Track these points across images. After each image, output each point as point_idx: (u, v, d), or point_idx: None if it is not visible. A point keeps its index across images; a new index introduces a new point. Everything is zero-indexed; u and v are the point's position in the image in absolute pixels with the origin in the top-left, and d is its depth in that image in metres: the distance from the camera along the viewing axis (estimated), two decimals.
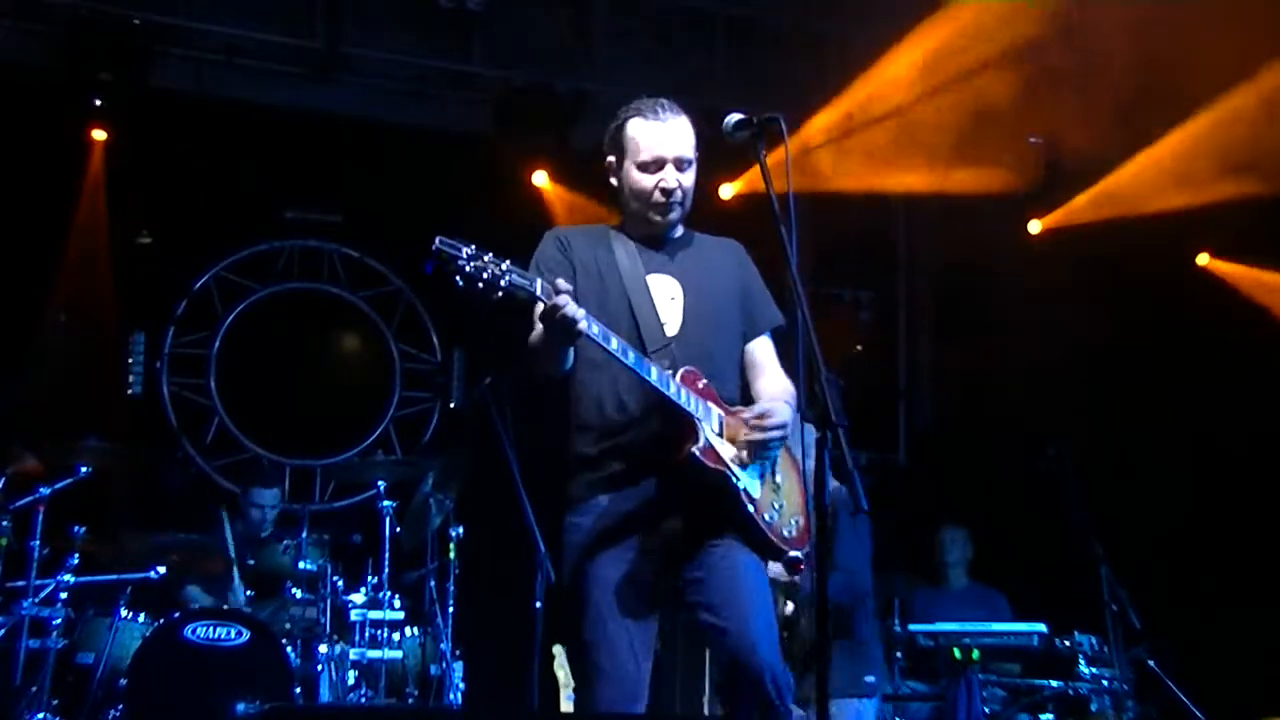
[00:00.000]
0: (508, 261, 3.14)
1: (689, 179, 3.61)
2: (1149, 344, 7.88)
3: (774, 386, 3.62)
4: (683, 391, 3.39)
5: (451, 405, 8.50)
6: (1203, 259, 8.53)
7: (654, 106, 3.61)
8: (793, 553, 3.49)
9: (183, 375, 8.16)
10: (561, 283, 3.20)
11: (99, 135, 7.51)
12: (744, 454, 3.45)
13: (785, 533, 3.52)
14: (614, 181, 3.67)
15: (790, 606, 5.38)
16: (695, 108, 3.73)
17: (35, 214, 7.33)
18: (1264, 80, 7.08)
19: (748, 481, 3.45)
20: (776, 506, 3.51)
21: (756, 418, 3.44)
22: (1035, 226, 8.69)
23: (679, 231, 3.72)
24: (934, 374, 9.43)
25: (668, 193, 3.57)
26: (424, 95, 8.10)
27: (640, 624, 3.43)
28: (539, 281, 3.18)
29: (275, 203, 8.24)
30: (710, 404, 3.45)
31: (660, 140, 3.57)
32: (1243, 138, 7.25)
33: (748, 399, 3.65)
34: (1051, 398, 7.94)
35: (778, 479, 3.55)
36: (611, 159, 3.66)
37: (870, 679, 5.51)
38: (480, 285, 3.09)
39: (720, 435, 3.44)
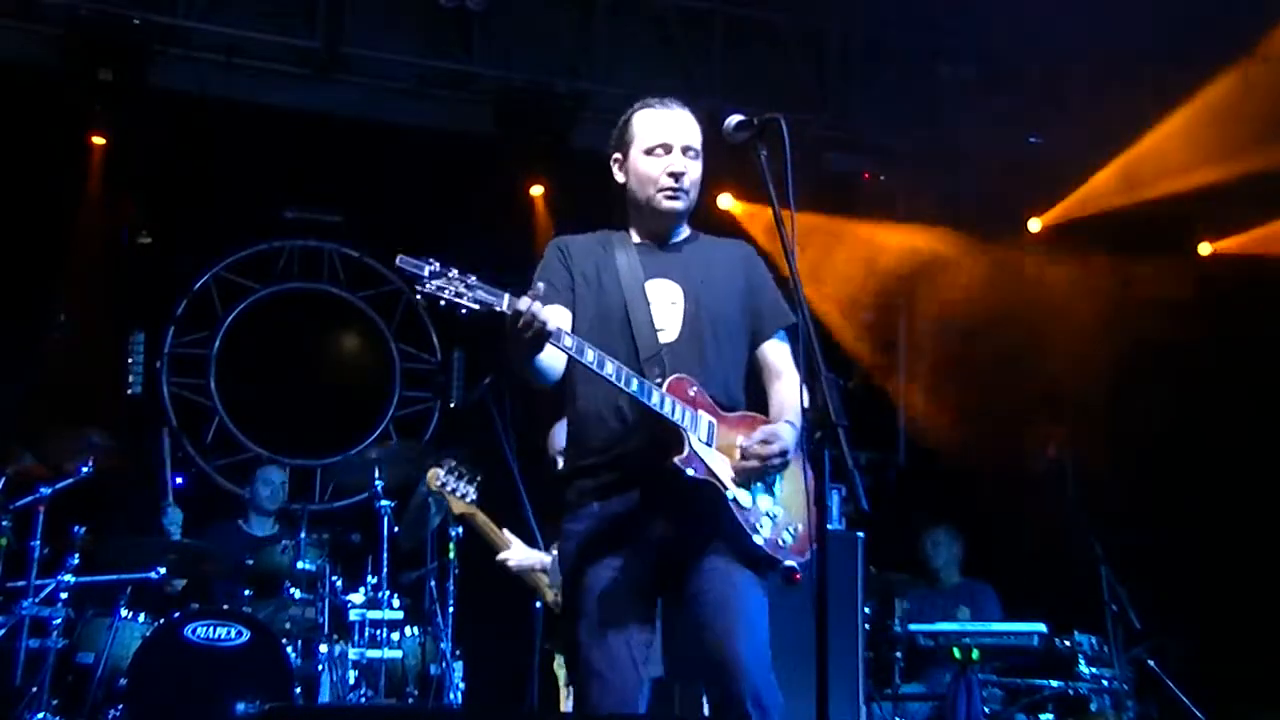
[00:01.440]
0: (474, 276, 3.12)
1: (696, 170, 3.59)
2: (1150, 339, 7.87)
3: (787, 396, 3.54)
4: (667, 400, 3.34)
5: (451, 405, 8.50)
6: (1204, 248, 8.53)
7: (660, 100, 3.62)
8: (788, 561, 3.40)
9: (183, 375, 8.17)
10: (531, 293, 3.14)
11: (99, 135, 7.51)
12: (740, 474, 3.39)
13: (781, 540, 3.43)
14: (620, 178, 3.64)
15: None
16: (695, 108, 3.71)
17: (35, 214, 7.33)
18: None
19: (736, 490, 3.39)
20: (771, 514, 3.43)
21: (760, 442, 3.38)
22: (1035, 225, 8.69)
23: (684, 232, 3.68)
24: (933, 374, 9.42)
25: (676, 175, 3.54)
26: (424, 95, 8.09)
27: (638, 629, 3.39)
28: (506, 295, 3.14)
29: (275, 203, 8.24)
30: (701, 412, 3.40)
31: (667, 126, 3.57)
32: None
33: (763, 401, 3.59)
34: (1053, 397, 7.95)
35: (775, 487, 3.48)
36: (617, 155, 3.63)
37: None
38: (443, 304, 3.08)
39: (710, 444, 3.39)
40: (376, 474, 6.42)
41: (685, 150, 3.56)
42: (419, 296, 3.07)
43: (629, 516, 3.41)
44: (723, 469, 3.39)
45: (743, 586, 3.39)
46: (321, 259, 8.52)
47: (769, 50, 8.48)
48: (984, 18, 7.31)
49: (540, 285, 3.19)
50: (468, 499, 5.37)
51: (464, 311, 3.10)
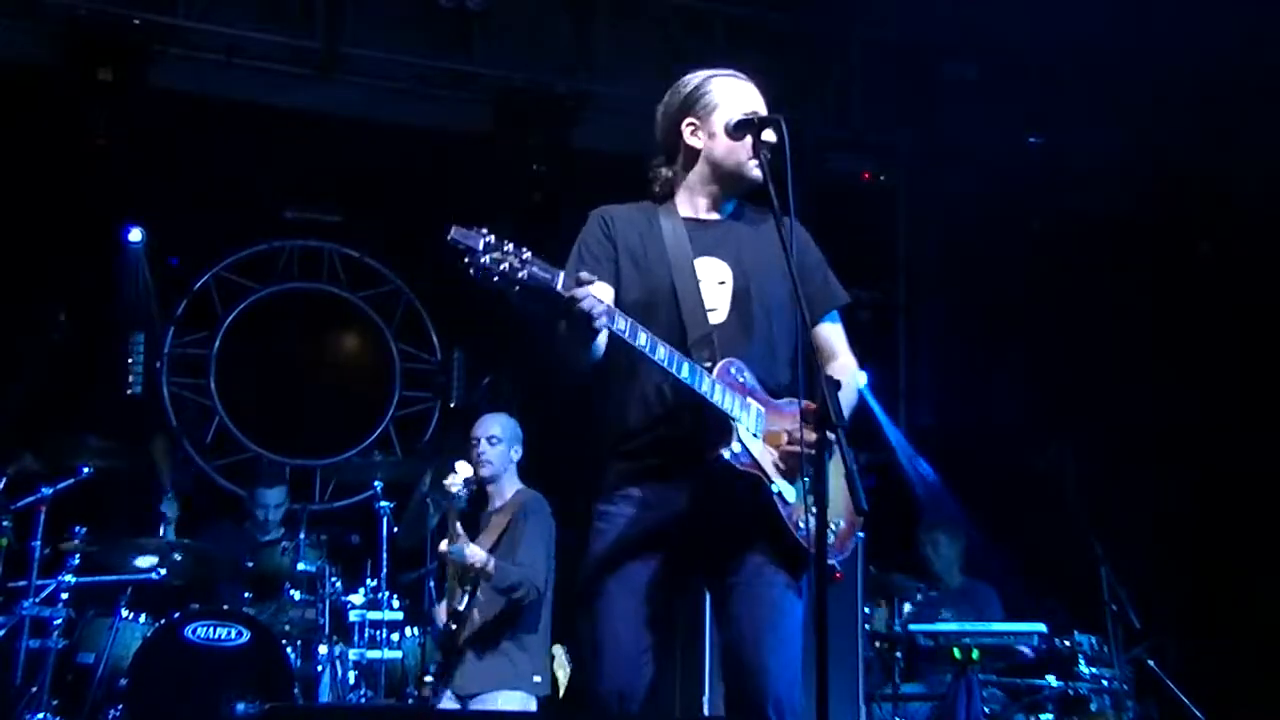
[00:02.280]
0: (528, 251, 3.00)
1: None
2: (1151, 339, 7.87)
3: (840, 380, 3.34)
4: (718, 388, 3.24)
5: (451, 405, 8.50)
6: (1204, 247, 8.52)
7: (729, 71, 3.56)
8: (830, 560, 3.24)
9: (183, 375, 8.17)
10: (585, 275, 3.07)
11: (99, 136, 7.49)
12: (785, 462, 3.31)
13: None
14: (696, 143, 3.50)
15: (462, 596, 5.45)
16: None
17: (35, 214, 7.32)
18: None
19: (781, 483, 3.30)
20: (815, 511, 3.30)
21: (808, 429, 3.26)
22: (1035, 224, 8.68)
23: (733, 204, 3.58)
24: (934, 374, 9.43)
25: (769, 144, 3.42)
26: (424, 95, 8.08)
27: (656, 618, 3.31)
28: (560, 275, 3.04)
29: (275, 203, 8.24)
30: (750, 400, 3.31)
31: (755, 97, 3.51)
32: None
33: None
34: (1052, 397, 7.95)
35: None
36: (692, 120, 3.49)
37: (538, 679, 5.47)
38: (497, 279, 2.95)
39: (758, 435, 3.30)
40: (377, 474, 6.44)
41: None
42: (471, 270, 2.92)
43: (668, 503, 3.32)
44: (768, 461, 3.30)
45: (780, 587, 3.32)
46: (321, 259, 8.53)
47: (769, 50, 8.47)
48: (984, 17, 7.32)
49: (586, 273, 3.10)
50: (458, 504, 5.55)
51: (517, 289, 2.97)
